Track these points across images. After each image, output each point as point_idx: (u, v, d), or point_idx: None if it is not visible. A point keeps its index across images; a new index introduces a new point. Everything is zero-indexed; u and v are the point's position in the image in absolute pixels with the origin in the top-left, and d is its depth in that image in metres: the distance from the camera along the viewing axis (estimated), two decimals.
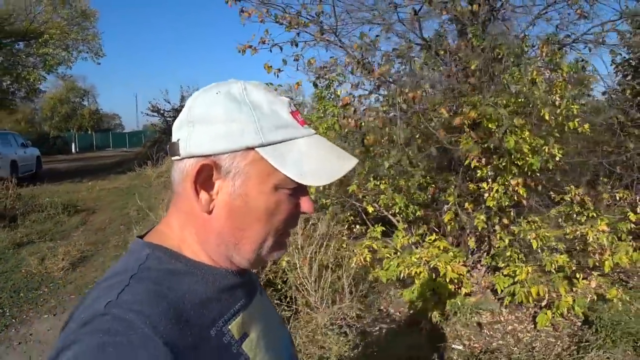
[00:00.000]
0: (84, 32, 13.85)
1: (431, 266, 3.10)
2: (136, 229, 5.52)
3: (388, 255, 3.51)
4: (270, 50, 3.46)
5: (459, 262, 3.55)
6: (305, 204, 0.66)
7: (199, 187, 0.62)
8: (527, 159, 3.14)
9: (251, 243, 0.63)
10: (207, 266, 0.64)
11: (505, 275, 3.35)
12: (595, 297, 3.84)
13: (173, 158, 0.64)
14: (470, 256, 4.00)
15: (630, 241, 3.82)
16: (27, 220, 7.32)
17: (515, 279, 3.32)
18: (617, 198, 4.29)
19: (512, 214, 3.53)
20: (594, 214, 4.17)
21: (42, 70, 13.10)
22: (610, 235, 3.46)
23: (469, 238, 3.93)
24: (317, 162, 0.62)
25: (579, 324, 3.70)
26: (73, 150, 30.29)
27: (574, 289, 3.80)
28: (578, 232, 3.45)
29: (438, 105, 3.08)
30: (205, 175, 0.61)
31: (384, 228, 4.18)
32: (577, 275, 3.84)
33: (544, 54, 3.32)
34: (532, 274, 3.34)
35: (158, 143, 16.17)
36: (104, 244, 6.41)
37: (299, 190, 0.65)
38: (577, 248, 3.63)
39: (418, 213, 4.17)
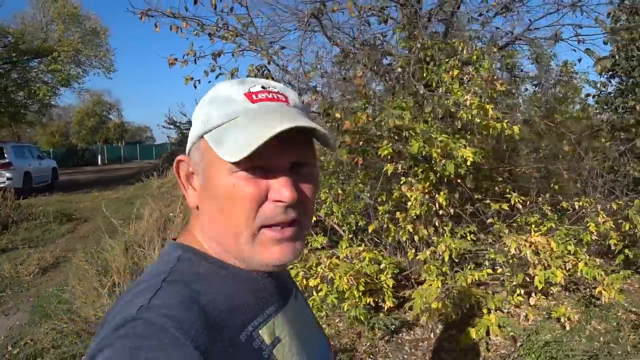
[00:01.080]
0: (97, 49, 14.62)
1: (328, 278, 2.98)
2: (107, 237, 5.65)
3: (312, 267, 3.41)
4: (195, 62, 3.48)
5: (388, 274, 3.40)
6: (275, 190, 0.57)
7: (185, 183, 0.65)
8: (443, 163, 2.98)
9: (227, 236, 0.60)
10: (235, 268, 0.63)
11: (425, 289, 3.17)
12: (535, 317, 3.60)
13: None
14: (409, 268, 3.84)
15: (585, 253, 3.55)
16: (19, 228, 7.64)
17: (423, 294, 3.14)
18: (577, 207, 4.03)
19: (437, 223, 3.36)
20: (552, 225, 3.93)
21: (52, 85, 13.86)
22: (545, 250, 3.21)
23: (409, 249, 3.78)
24: (249, 134, 0.55)
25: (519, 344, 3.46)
26: (99, 162, 31.56)
27: (509, 306, 3.56)
28: (504, 244, 3.24)
29: (331, 110, 2.98)
30: (185, 172, 0.64)
31: (326, 238, 4.08)
32: (518, 291, 3.60)
33: (464, 54, 3.18)
34: (462, 287, 3.15)
35: (173, 154, 16.62)
36: (78, 250, 6.58)
37: (266, 172, 0.58)
38: (512, 261, 3.40)
39: (360, 223, 4.05)
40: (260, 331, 0.61)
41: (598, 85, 6.41)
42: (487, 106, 2.95)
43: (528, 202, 4.19)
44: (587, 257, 3.45)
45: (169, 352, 0.49)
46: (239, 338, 0.58)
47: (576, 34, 4.05)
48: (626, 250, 3.99)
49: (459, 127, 3.06)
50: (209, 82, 3.65)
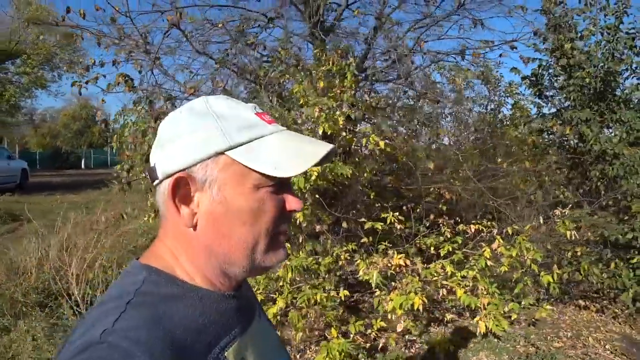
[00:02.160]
0: (73, 54, 14.82)
1: None
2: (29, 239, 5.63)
3: None
4: (88, 70, 3.57)
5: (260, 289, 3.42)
6: (291, 201, 0.65)
7: (178, 202, 0.62)
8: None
9: (241, 249, 0.62)
10: (202, 290, 0.63)
11: None
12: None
13: (154, 183, 0.65)
14: None
15: (485, 279, 3.51)
16: None
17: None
18: (481, 229, 4.07)
19: (300, 239, 3.41)
20: (450, 248, 3.95)
21: (25, 87, 13.99)
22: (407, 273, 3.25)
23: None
24: (289, 153, 0.61)
25: None
26: (83, 165, 31.53)
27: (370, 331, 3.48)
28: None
29: None
30: (183, 190, 0.62)
31: None
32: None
33: (331, 64, 3.28)
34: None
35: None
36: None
37: (282, 187, 0.64)
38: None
39: None
40: (226, 353, 0.61)
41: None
42: (339, 119, 3.03)
43: (428, 224, 4.25)
44: (487, 283, 3.44)
45: None
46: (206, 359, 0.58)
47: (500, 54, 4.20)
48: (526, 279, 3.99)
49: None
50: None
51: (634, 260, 4.18)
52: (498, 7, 4.37)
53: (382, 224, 3.60)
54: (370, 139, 3.28)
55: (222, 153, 0.61)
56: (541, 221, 3.88)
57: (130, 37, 3.43)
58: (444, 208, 4.24)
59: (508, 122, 6.06)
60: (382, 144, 3.32)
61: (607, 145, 4.37)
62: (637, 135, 4.61)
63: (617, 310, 4.83)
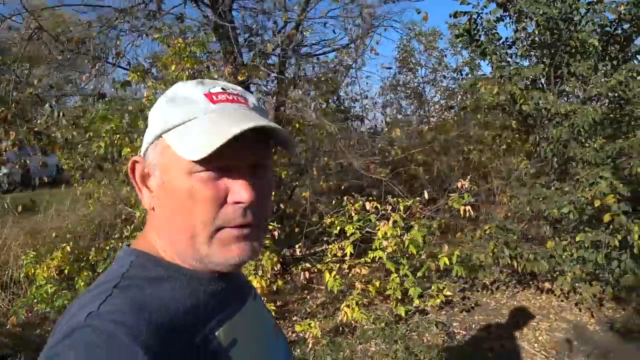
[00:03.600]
0: None
1: None
2: None
3: None
4: None
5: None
6: (235, 191, 0.58)
7: (139, 184, 0.64)
8: None
9: (183, 237, 0.60)
10: (190, 271, 0.62)
11: None
12: None
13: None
14: None
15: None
16: None
17: None
18: (367, 208, 3.73)
19: None
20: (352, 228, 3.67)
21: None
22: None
23: None
24: (210, 134, 0.56)
25: None
26: None
27: None
28: None
29: None
30: (140, 173, 0.63)
31: None
32: None
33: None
34: None
35: None
36: None
37: (229, 174, 0.59)
38: None
39: None
40: (217, 333, 0.60)
41: None
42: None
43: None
44: (392, 265, 3.16)
45: (122, 358, 0.49)
46: (194, 341, 0.57)
47: None
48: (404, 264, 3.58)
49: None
50: None
51: (578, 239, 3.57)
52: None
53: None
54: None
55: (159, 136, 0.60)
56: (426, 195, 3.40)
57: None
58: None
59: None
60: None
61: (544, 104, 3.74)
62: (593, 91, 3.90)
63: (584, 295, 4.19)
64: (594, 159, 3.68)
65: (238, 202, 0.58)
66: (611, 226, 3.39)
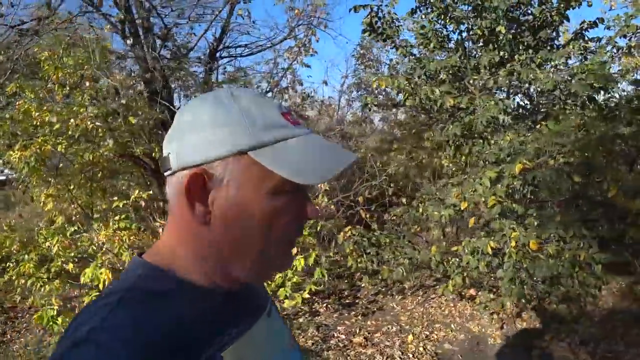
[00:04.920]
0: None
1: None
2: None
3: None
4: None
5: None
6: (309, 209, 0.63)
7: (192, 199, 0.59)
8: None
9: (252, 254, 0.60)
10: (201, 287, 0.61)
11: None
12: None
13: (165, 173, 0.63)
14: None
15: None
16: None
17: None
18: None
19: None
20: None
21: None
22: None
23: None
24: (313, 160, 0.58)
25: None
26: None
27: None
28: None
29: None
30: (199, 186, 0.58)
31: None
32: None
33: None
34: None
35: None
36: None
37: (299, 194, 0.61)
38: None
39: None
40: (223, 353, 0.59)
41: None
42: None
43: None
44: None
45: None
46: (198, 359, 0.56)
47: None
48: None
49: None
50: None
51: (463, 244, 3.33)
52: None
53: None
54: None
55: (244, 152, 0.57)
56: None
57: None
58: None
59: None
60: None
61: (435, 98, 3.51)
62: (490, 82, 3.60)
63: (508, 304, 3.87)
64: (493, 157, 3.40)
65: (309, 218, 0.63)
66: (485, 231, 3.13)
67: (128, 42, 4.29)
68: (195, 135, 0.58)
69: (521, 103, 3.92)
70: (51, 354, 0.53)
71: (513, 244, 3.00)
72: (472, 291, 4.20)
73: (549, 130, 3.16)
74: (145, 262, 0.61)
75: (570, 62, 4.02)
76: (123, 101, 3.78)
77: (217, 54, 4.90)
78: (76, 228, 3.60)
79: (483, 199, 3.03)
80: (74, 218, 4.01)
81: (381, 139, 5.83)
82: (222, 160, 0.57)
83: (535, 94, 3.71)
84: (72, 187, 3.79)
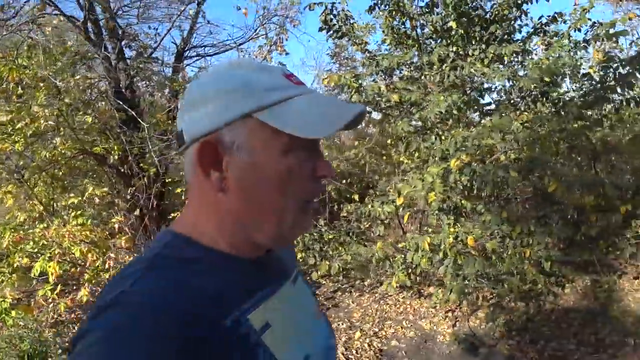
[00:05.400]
0: None
1: None
2: None
3: None
4: None
5: None
6: (323, 167, 0.63)
7: (207, 167, 0.60)
8: None
9: (270, 217, 0.61)
10: (224, 254, 0.62)
11: None
12: None
13: (180, 149, 0.64)
14: None
15: None
16: None
17: None
18: None
19: None
20: None
21: None
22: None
23: None
24: (318, 114, 0.59)
25: None
26: None
27: None
28: None
29: None
30: (211, 154, 0.59)
31: None
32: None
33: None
34: None
35: None
36: None
37: (312, 153, 0.62)
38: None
39: None
40: (249, 316, 0.59)
41: None
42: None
43: None
44: None
45: (142, 341, 0.49)
46: (224, 323, 0.56)
47: None
48: None
49: None
50: None
51: (408, 240, 3.31)
52: None
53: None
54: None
55: (249, 115, 0.58)
56: None
57: None
58: None
59: None
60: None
61: (380, 93, 3.51)
62: (437, 77, 3.57)
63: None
64: (439, 153, 3.38)
65: (323, 176, 0.63)
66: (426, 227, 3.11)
67: (91, 42, 4.37)
68: (202, 107, 0.60)
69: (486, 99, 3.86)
70: (87, 314, 0.54)
71: (450, 240, 2.97)
72: (431, 289, 4.19)
73: (491, 125, 3.13)
74: (174, 231, 0.63)
75: (536, 57, 3.98)
76: (81, 98, 3.85)
77: (185, 54, 4.97)
78: (33, 223, 3.69)
79: (423, 193, 3.02)
80: (37, 215, 4.10)
81: (355, 137, 5.84)
82: (230, 125, 0.58)
83: (489, 90, 3.66)
84: (31, 184, 3.89)
